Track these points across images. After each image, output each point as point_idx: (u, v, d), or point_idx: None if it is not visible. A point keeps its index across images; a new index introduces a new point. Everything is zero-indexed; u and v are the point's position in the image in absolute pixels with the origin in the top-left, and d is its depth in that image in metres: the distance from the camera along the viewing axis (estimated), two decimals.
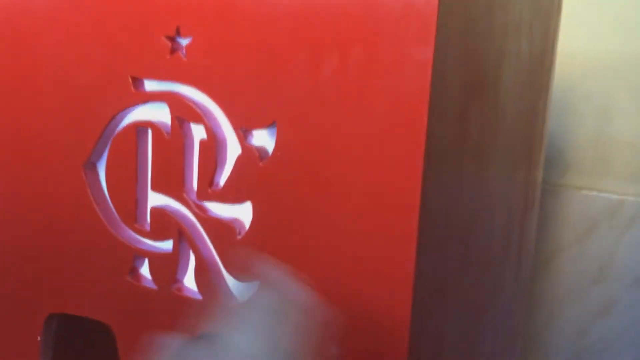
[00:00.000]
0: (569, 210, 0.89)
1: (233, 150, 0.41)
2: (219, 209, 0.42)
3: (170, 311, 0.44)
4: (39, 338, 0.48)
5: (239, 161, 0.40)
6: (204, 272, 0.42)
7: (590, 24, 0.80)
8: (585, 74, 0.82)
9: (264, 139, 0.40)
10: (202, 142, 0.41)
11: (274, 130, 0.39)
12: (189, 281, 0.44)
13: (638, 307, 0.86)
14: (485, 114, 0.45)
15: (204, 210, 0.42)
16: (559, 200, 0.90)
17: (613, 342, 0.90)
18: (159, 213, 0.43)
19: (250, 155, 0.40)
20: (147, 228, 0.44)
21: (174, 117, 0.41)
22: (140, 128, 0.43)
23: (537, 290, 0.93)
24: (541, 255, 0.91)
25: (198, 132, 0.42)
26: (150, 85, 0.42)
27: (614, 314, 0.89)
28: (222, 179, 0.41)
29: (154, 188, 0.43)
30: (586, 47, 0.81)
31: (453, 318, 0.46)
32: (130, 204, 0.44)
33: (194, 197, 0.42)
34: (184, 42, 0.40)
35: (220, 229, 0.41)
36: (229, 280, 0.42)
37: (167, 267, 0.43)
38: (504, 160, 0.53)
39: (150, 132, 0.43)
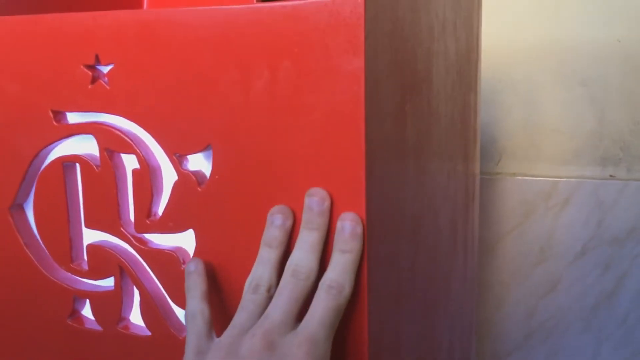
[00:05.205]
0: (507, 196, 0.91)
1: (169, 177, 0.39)
2: (160, 240, 0.40)
3: (118, 351, 0.41)
4: None
5: (176, 188, 0.39)
6: (150, 306, 0.40)
7: (511, 14, 0.82)
8: (510, 65, 0.84)
9: (200, 162, 0.38)
10: (135, 172, 0.39)
11: (210, 153, 0.37)
12: (136, 317, 0.42)
13: (581, 282, 0.89)
14: (420, 114, 0.45)
15: (144, 242, 0.40)
16: (497, 187, 0.92)
17: (561, 319, 0.93)
18: (96, 250, 0.41)
19: (187, 181, 0.38)
20: (85, 267, 0.42)
21: (102, 149, 0.39)
22: (66, 163, 0.40)
23: (485, 277, 0.95)
24: (485, 243, 0.93)
25: (130, 162, 0.40)
26: (73, 118, 0.40)
27: (559, 291, 0.92)
28: (160, 208, 0.40)
29: (88, 225, 0.41)
30: (509, 37, 0.83)
31: (410, 319, 0.46)
32: (63, 243, 0.42)
33: (132, 229, 0.40)
34: (105, 69, 0.38)
35: (163, 260, 0.40)
36: (178, 311, 0.41)
37: (110, 305, 0.41)
38: (442, 156, 0.53)
39: (78, 166, 0.41)
